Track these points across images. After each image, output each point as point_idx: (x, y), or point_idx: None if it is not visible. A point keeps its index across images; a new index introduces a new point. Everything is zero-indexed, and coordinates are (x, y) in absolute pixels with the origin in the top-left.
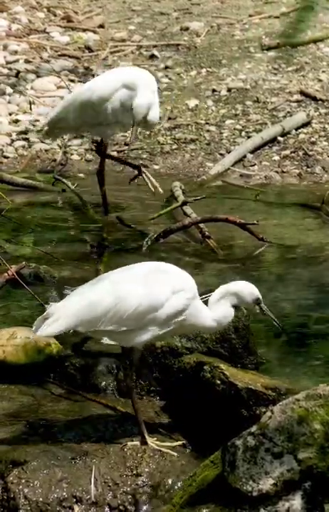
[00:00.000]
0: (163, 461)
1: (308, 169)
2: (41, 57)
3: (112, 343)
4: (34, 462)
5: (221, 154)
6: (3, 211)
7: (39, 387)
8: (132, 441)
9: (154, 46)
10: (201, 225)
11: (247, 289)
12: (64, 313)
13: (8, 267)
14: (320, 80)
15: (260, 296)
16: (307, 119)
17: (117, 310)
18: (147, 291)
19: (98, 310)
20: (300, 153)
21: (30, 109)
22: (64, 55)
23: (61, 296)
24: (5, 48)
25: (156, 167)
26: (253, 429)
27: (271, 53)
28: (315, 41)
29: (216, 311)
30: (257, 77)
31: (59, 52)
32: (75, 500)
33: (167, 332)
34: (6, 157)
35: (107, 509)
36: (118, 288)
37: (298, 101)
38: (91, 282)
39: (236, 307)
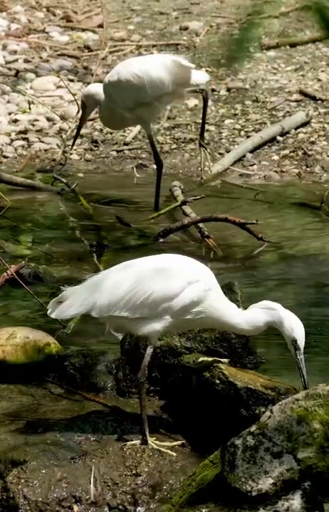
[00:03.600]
0: (162, 460)
1: (308, 169)
2: (41, 57)
3: (120, 336)
4: (33, 462)
5: (220, 154)
6: (3, 211)
7: (38, 386)
8: (132, 440)
9: (154, 46)
10: (201, 225)
11: (292, 322)
12: (81, 297)
13: (8, 267)
14: (319, 80)
15: (300, 340)
16: (306, 119)
17: (133, 295)
18: (163, 280)
19: (115, 294)
20: (300, 152)
21: (30, 108)
22: (63, 54)
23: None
24: (4, 47)
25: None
26: (253, 428)
27: (271, 53)
28: (314, 41)
29: (247, 312)
30: (256, 77)
31: (58, 52)
32: (74, 499)
33: (185, 323)
34: (5, 157)
35: (106, 509)
36: (136, 274)
37: (297, 100)
38: (107, 271)
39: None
